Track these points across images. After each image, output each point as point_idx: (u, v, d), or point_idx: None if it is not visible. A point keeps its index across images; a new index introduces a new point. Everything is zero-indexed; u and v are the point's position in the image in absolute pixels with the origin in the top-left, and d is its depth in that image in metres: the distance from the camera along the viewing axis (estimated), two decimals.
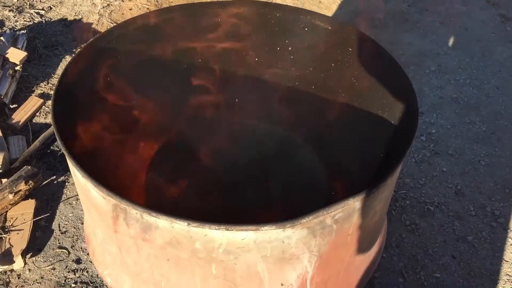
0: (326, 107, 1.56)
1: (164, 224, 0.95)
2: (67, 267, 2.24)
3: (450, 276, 2.30)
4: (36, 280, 2.19)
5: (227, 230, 0.92)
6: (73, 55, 3.22)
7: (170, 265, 1.05)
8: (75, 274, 2.22)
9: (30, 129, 2.91)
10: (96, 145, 1.28)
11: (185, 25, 1.51)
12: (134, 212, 0.96)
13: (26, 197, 2.43)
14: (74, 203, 2.52)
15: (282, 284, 1.08)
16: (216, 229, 0.92)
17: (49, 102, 3.09)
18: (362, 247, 1.20)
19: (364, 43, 1.39)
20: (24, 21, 3.74)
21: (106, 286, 1.28)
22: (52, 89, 3.18)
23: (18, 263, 2.20)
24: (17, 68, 3.11)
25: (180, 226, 0.93)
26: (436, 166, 2.81)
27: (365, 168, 1.30)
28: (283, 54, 1.59)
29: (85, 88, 1.34)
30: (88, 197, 1.09)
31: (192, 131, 1.55)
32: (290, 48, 1.58)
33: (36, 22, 3.75)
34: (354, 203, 0.99)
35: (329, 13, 4.07)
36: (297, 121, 1.61)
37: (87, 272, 2.23)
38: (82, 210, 2.48)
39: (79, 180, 1.07)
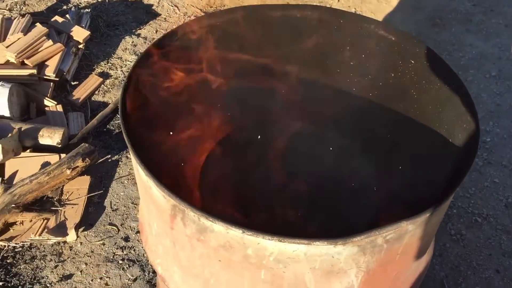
0: (383, 118, 1.55)
1: (219, 229, 0.99)
2: (116, 244, 2.35)
3: None
4: (87, 253, 2.31)
5: (280, 241, 0.95)
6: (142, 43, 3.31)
7: (221, 266, 1.10)
8: (123, 251, 2.32)
9: (89, 106, 3.03)
10: (157, 138, 1.33)
11: (248, 27, 1.53)
12: (192, 214, 1.00)
13: (81, 173, 2.55)
14: (126, 182, 2.63)
15: None
16: (269, 239, 0.95)
17: (108, 81, 3.20)
18: (410, 264, 1.21)
19: (428, 57, 1.36)
20: None
21: (157, 273, 1.34)
22: (111, 69, 3.29)
23: (71, 236, 2.33)
24: (80, 46, 3.23)
25: (235, 233, 0.97)
26: (487, 176, 2.74)
27: (419, 187, 1.30)
28: (343, 60, 1.59)
29: (153, 83, 1.38)
30: (147, 193, 1.14)
31: (253, 131, 1.57)
32: (349, 55, 1.57)
33: (99, 0, 3.86)
34: (407, 226, 1.00)
35: (389, 7, 3.98)
36: (353, 129, 1.61)
37: (134, 250, 2.33)
38: (132, 190, 2.58)
39: (141, 176, 1.12)
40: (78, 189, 2.50)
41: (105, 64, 3.32)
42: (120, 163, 2.72)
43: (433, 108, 1.39)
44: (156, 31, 3.65)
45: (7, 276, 2.18)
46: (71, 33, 3.21)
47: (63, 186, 2.50)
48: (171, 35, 1.47)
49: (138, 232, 2.40)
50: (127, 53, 3.44)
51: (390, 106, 1.56)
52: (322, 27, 1.54)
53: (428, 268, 1.39)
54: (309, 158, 1.51)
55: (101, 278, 2.22)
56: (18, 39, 2.95)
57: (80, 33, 3.23)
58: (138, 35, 3.60)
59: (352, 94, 1.63)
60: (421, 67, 1.41)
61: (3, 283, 2.15)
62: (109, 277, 2.22)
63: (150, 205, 1.17)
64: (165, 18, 3.77)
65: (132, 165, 2.72)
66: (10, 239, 2.30)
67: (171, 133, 1.39)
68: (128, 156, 2.76)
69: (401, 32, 1.45)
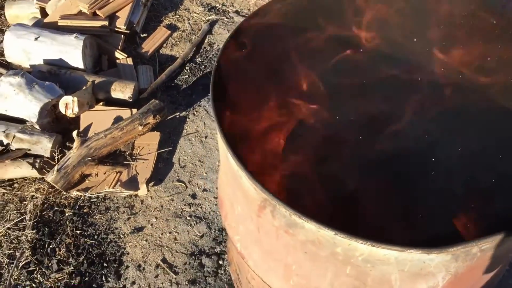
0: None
1: (310, 227, 1.00)
2: (184, 200, 2.44)
3: None
4: (157, 208, 2.41)
5: (373, 246, 0.95)
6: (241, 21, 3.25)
7: (305, 257, 1.12)
8: (190, 208, 2.41)
9: (157, 59, 3.05)
10: (244, 125, 1.33)
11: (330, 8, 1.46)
12: (283, 210, 1.01)
13: (152, 129, 2.61)
14: (193, 139, 2.68)
15: None
16: (362, 243, 0.95)
17: (175, 34, 3.19)
18: (494, 268, 1.18)
19: None
20: None
21: (236, 249, 1.38)
22: (179, 21, 3.27)
23: (142, 190, 2.42)
24: None
25: (326, 233, 0.98)
26: None
27: None
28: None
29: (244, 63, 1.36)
30: (236, 180, 1.16)
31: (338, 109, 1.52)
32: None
33: None
34: (504, 238, 0.97)
35: None
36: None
37: (201, 207, 2.41)
38: (199, 148, 2.63)
39: (231, 165, 1.13)
40: (149, 144, 2.58)
41: (172, 16, 3.31)
42: (187, 119, 2.76)
43: None
44: None
45: (84, 225, 2.32)
46: None
47: (134, 141, 2.58)
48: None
49: (204, 190, 2.47)
50: (194, 4, 3.41)
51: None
52: None
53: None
54: (395, 145, 1.45)
55: (170, 233, 2.32)
56: None
57: None
58: None
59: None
60: None
61: (80, 231, 2.30)
62: (178, 232, 2.32)
63: (237, 190, 1.19)
64: None
65: (199, 124, 2.75)
66: (86, 189, 2.42)
67: (256, 118, 1.38)
68: (195, 113, 2.79)
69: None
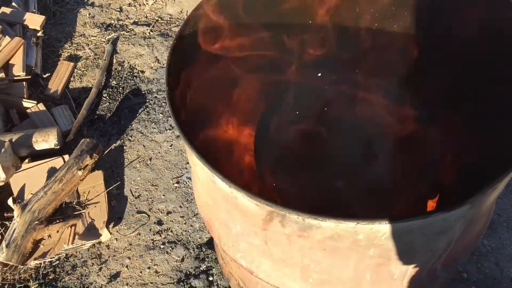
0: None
1: (328, 225, 0.95)
2: (151, 230, 2.31)
3: None
4: (126, 247, 2.27)
5: (396, 222, 0.92)
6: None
7: (324, 254, 1.07)
8: (160, 236, 2.29)
9: (70, 96, 2.84)
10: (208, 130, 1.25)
11: None
12: (295, 216, 0.96)
13: (92, 170, 2.44)
14: (138, 166, 2.54)
15: (431, 250, 1.11)
16: (385, 223, 0.92)
17: (79, 64, 2.99)
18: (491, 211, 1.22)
19: None
20: None
21: (242, 266, 1.31)
22: (78, 49, 3.06)
23: (104, 235, 2.27)
24: (39, 34, 2.97)
25: (346, 225, 0.94)
26: None
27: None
28: None
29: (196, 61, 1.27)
30: (229, 201, 1.08)
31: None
32: None
33: None
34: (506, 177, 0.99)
35: None
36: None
37: (171, 231, 2.30)
38: (148, 172, 2.50)
39: (221, 188, 1.05)
40: (94, 186, 2.41)
41: (69, 46, 3.09)
42: (125, 147, 2.61)
43: None
44: None
45: None
46: (25, 22, 2.93)
47: (77, 188, 2.40)
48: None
49: (169, 212, 2.36)
50: (88, 27, 3.20)
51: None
52: None
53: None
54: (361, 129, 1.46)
55: (149, 268, 2.20)
56: None
57: (34, 20, 2.95)
58: (92, 4, 3.33)
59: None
60: None
61: None
62: (157, 264, 2.20)
63: (232, 210, 1.12)
64: None
65: (138, 148, 2.61)
66: (43, 255, 2.23)
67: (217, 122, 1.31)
68: (130, 138, 2.64)
69: None
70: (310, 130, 1.48)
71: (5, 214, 2.33)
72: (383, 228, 0.95)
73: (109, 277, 2.18)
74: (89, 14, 3.26)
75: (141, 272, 2.19)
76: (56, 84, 2.85)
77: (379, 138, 1.52)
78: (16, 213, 2.19)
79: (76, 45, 3.10)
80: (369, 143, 1.52)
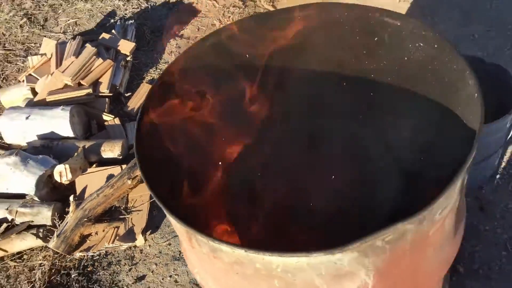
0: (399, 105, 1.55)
1: (227, 249, 1.07)
2: None
3: None
4: (156, 254, 2.51)
5: (280, 256, 1.01)
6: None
7: (239, 277, 1.18)
8: None
9: None
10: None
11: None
12: (200, 238, 1.09)
13: (141, 181, 2.74)
14: None
15: None
16: (270, 255, 1.02)
17: None
18: (429, 254, 1.22)
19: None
20: (133, 8, 4.03)
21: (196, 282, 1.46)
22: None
23: (139, 240, 2.53)
24: (128, 58, 3.40)
25: (240, 252, 1.05)
26: None
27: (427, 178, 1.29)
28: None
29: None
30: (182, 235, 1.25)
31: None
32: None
33: (143, 8, 4.02)
34: (405, 226, 1.02)
35: None
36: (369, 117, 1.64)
37: None
38: None
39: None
40: (141, 196, 2.70)
41: (153, 71, 3.49)
42: None
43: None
44: (198, 29, 3.75)
45: (89, 283, 2.44)
46: (118, 48, 3.39)
47: (127, 195, 2.71)
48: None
49: None
50: (173, 56, 3.58)
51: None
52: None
53: (459, 244, 1.39)
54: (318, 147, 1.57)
55: (170, 276, 2.41)
56: (72, 62, 3.18)
57: (126, 46, 3.40)
58: (181, 36, 3.72)
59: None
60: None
61: None
62: (178, 275, 2.40)
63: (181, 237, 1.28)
64: (205, 14, 3.86)
65: None
66: (87, 249, 2.55)
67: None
68: None
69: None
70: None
71: (66, 209, 2.71)
72: (274, 260, 1.05)
73: (136, 278, 2.43)
74: (176, 45, 3.65)
75: (163, 279, 2.40)
76: (134, 102, 3.24)
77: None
78: (71, 209, 2.55)
79: (159, 70, 3.48)
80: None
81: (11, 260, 2.59)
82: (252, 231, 1.54)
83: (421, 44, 1.42)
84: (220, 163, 1.67)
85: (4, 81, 3.69)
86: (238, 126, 1.66)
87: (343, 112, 1.72)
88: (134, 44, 3.44)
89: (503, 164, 2.49)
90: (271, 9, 3.75)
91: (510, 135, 2.27)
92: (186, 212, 1.22)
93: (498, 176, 2.44)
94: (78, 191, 2.74)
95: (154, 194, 1.17)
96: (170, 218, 1.17)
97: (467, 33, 3.11)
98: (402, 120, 1.56)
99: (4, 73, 3.74)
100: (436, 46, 1.36)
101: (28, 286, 2.46)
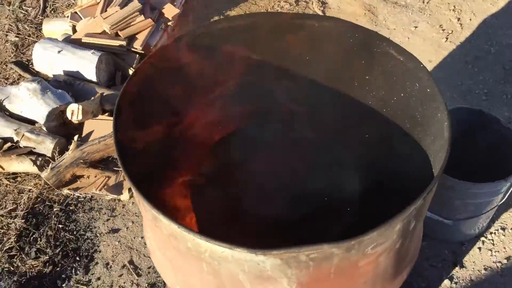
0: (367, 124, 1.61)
1: (164, 220, 1.12)
2: None
3: None
4: (135, 213, 2.59)
5: (208, 242, 1.06)
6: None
7: (175, 252, 1.24)
8: None
9: None
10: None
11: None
12: (145, 204, 1.15)
13: None
14: None
15: None
16: (199, 238, 1.07)
17: None
18: (358, 285, 1.24)
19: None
20: None
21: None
22: None
23: (125, 195, 2.62)
24: (169, 23, 3.48)
25: (174, 227, 1.10)
26: None
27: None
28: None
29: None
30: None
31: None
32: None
33: None
34: (330, 249, 1.05)
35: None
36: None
37: None
38: None
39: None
40: None
41: None
42: None
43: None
44: (245, 13, 3.79)
45: (67, 221, 2.54)
46: (163, 10, 3.47)
47: None
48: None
49: None
50: None
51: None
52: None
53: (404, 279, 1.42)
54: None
55: (142, 238, 2.49)
56: (115, 12, 3.28)
57: (170, 11, 3.47)
58: (224, 14, 3.77)
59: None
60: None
61: (62, 226, 2.51)
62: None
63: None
64: (255, 2, 3.89)
65: None
66: (76, 189, 2.66)
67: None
68: None
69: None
70: None
71: (68, 146, 2.82)
72: (203, 244, 1.09)
73: (110, 229, 2.52)
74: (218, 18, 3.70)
75: (134, 238, 2.49)
76: None
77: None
78: (71, 147, 2.65)
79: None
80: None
81: (5, 178, 2.72)
82: (213, 218, 1.59)
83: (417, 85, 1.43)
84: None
85: (52, 12, 3.83)
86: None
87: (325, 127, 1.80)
88: (178, 10, 3.51)
89: (492, 228, 2.46)
90: (320, 14, 3.75)
91: (504, 199, 2.24)
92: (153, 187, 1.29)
93: (482, 238, 2.42)
94: (84, 133, 2.85)
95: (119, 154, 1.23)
96: (127, 180, 1.23)
97: (500, 91, 3.05)
98: (378, 147, 1.60)
99: (55, 4, 3.88)
100: (428, 90, 1.37)
101: (12, 206, 2.59)
